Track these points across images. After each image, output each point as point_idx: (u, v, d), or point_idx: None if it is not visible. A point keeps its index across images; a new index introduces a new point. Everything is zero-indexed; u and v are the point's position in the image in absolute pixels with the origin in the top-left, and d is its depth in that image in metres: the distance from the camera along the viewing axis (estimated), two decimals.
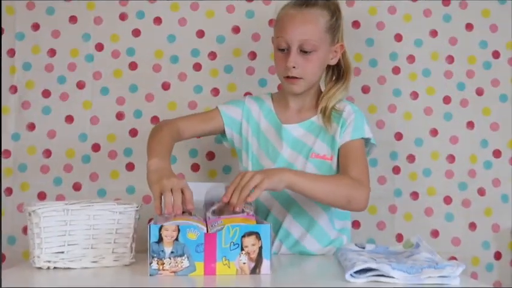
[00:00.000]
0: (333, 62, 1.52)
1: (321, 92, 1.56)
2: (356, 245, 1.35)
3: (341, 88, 1.53)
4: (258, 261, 1.11)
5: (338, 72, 1.56)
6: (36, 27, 1.87)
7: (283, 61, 1.45)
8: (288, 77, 1.46)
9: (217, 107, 1.59)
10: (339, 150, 1.49)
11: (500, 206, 1.87)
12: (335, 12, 1.49)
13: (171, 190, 1.16)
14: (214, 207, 1.25)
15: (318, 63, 1.47)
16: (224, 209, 1.23)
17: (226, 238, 1.10)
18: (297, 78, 1.46)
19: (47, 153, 1.85)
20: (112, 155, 1.86)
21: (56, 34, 1.87)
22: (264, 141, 1.54)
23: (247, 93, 1.83)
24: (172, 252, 1.09)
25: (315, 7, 1.45)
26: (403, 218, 1.87)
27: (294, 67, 1.44)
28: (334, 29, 1.48)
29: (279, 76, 1.52)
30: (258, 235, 1.11)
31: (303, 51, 1.44)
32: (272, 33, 1.54)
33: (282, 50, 1.46)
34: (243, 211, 1.20)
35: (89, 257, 1.19)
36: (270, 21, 1.87)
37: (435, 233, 1.87)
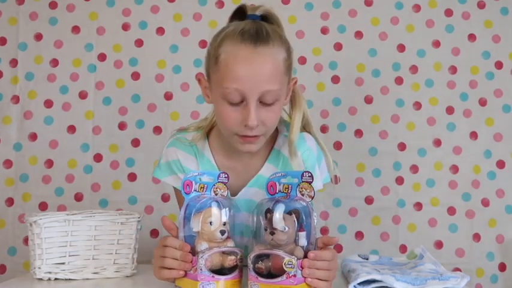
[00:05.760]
0: (286, 102, 1.21)
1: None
2: (359, 255, 1.33)
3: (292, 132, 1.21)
4: None
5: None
6: (39, 37, 1.88)
7: (237, 116, 1.10)
8: (244, 135, 1.13)
9: (173, 187, 1.31)
10: None
11: (504, 217, 1.86)
12: (287, 41, 1.16)
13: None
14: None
15: (279, 113, 1.16)
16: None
17: None
18: (256, 136, 1.14)
19: (49, 163, 1.85)
20: (114, 165, 1.86)
21: (58, 44, 1.88)
22: None
23: None
24: None
25: (270, 42, 1.09)
26: (406, 228, 1.86)
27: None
28: (291, 67, 1.16)
29: (225, 131, 1.17)
30: None
31: (263, 103, 1.10)
32: None
33: (234, 103, 1.10)
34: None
35: (90, 268, 1.18)
36: None
37: (439, 244, 1.85)
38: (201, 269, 0.97)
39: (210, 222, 0.99)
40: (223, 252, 0.99)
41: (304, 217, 1.00)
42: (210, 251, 0.98)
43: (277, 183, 1.04)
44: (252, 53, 1.07)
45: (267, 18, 1.17)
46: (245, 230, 1.27)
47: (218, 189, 1.05)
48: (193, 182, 1.04)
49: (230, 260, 0.99)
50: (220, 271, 0.99)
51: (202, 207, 1.01)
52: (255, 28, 1.10)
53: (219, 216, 1.00)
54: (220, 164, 1.25)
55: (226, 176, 1.06)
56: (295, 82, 1.21)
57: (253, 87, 1.07)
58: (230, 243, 1.01)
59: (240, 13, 1.19)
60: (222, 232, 0.99)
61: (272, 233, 0.98)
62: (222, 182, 1.06)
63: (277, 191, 1.03)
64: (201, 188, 1.04)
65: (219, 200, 1.03)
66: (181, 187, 1.02)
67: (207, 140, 1.27)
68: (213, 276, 0.97)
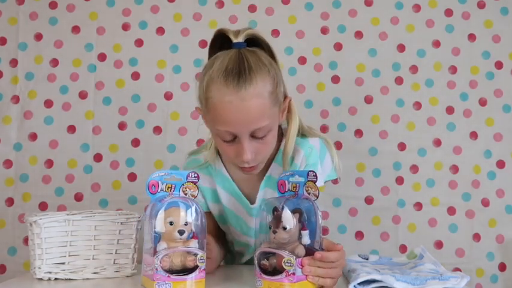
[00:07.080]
0: (282, 120, 1.22)
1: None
2: (359, 255, 1.33)
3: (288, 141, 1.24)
4: None
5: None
6: (39, 37, 1.88)
7: (232, 150, 1.15)
8: (242, 167, 1.18)
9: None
10: None
11: (504, 217, 1.86)
12: (272, 67, 1.13)
13: None
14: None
15: (273, 140, 1.18)
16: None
17: None
18: (254, 166, 1.18)
19: (49, 163, 1.85)
20: (114, 165, 1.86)
21: (58, 44, 1.88)
22: (232, 216, 1.32)
23: None
24: None
25: (253, 79, 1.07)
26: (406, 228, 1.86)
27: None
28: (278, 92, 1.14)
29: (226, 159, 1.28)
30: None
31: (256, 137, 1.13)
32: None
33: (227, 140, 1.14)
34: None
35: (90, 268, 1.18)
36: (273, 32, 1.88)
37: (439, 244, 1.85)
38: (156, 269, 0.99)
39: (170, 222, 1.00)
40: (188, 253, 1.00)
41: (307, 216, 1.02)
42: (166, 251, 0.99)
43: (286, 181, 1.07)
44: (237, 98, 1.07)
45: (252, 42, 1.15)
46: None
47: (187, 189, 1.06)
48: (160, 182, 1.05)
49: (189, 261, 1.00)
50: (182, 271, 0.99)
51: (166, 208, 1.02)
52: (238, 65, 1.09)
53: (179, 216, 1.01)
54: (235, 176, 1.28)
55: (195, 175, 1.06)
56: (289, 101, 1.20)
57: (242, 129, 1.10)
58: (193, 244, 1.01)
59: (224, 38, 1.15)
60: (181, 232, 1.00)
61: (274, 232, 1.00)
62: (191, 182, 1.06)
63: (286, 190, 1.07)
64: (168, 188, 1.05)
65: (185, 200, 1.03)
66: (146, 188, 1.04)
67: (219, 156, 1.30)
68: (168, 276, 0.99)
